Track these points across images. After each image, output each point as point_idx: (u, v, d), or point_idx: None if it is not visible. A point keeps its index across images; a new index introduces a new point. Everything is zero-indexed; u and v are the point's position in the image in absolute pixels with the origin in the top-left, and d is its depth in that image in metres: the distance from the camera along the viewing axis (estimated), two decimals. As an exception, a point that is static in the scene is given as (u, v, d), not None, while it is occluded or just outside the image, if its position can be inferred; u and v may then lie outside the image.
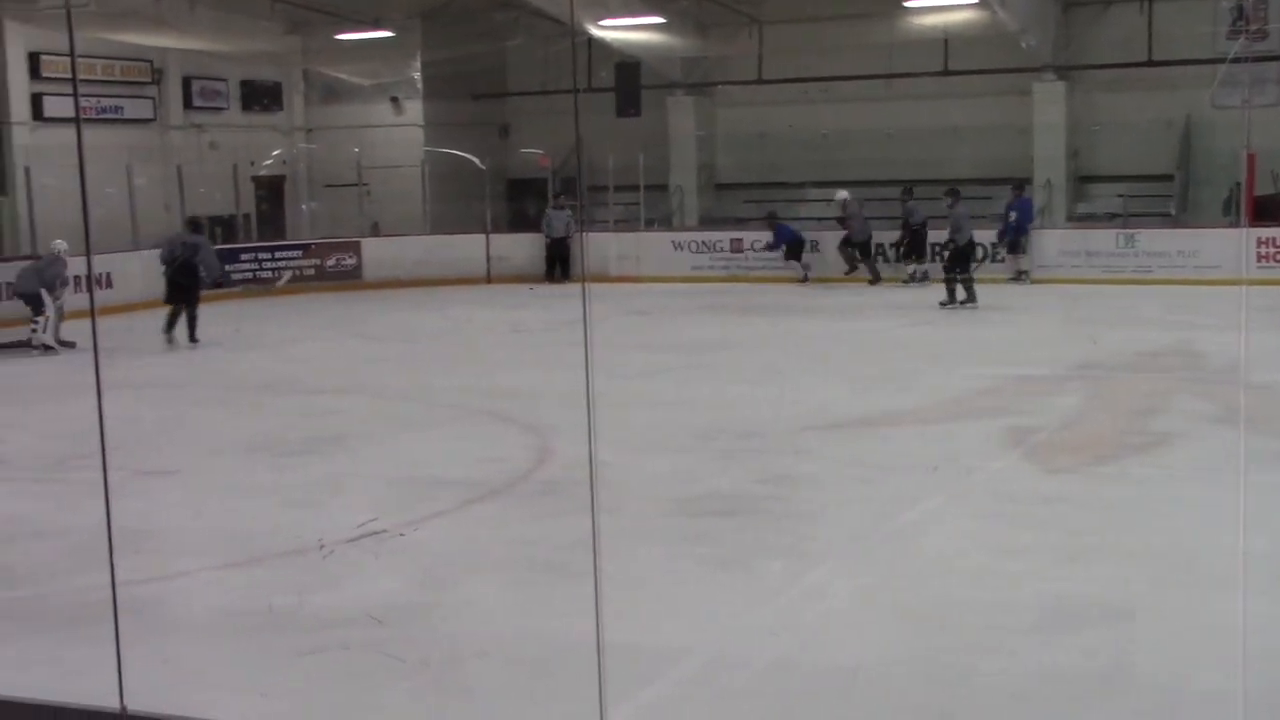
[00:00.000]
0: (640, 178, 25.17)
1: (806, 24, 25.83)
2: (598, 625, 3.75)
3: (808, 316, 18.92)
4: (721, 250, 24.11)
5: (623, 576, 6.76)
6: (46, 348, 16.52)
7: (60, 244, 17.25)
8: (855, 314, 19.20)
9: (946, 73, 25.17)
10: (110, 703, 3.48)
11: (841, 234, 23.02)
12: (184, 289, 17.35)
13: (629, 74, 25.95)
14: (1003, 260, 21.98)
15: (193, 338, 17.17)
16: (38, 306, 16.71)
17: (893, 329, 17.61)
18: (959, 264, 19.53)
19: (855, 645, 6.14)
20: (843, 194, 23.30)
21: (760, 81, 26.57)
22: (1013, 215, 21.86)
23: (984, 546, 7.78)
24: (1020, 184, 22.54)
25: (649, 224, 25.42)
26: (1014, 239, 21.95)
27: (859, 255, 22.75)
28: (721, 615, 6.68)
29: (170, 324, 17.24)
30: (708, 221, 26.88)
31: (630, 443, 10.07)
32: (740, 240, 24.10)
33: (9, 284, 17.68)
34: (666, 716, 5.53)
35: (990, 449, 10.26)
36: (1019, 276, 21.92)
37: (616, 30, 25.07)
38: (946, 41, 24.89)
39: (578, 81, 25.98)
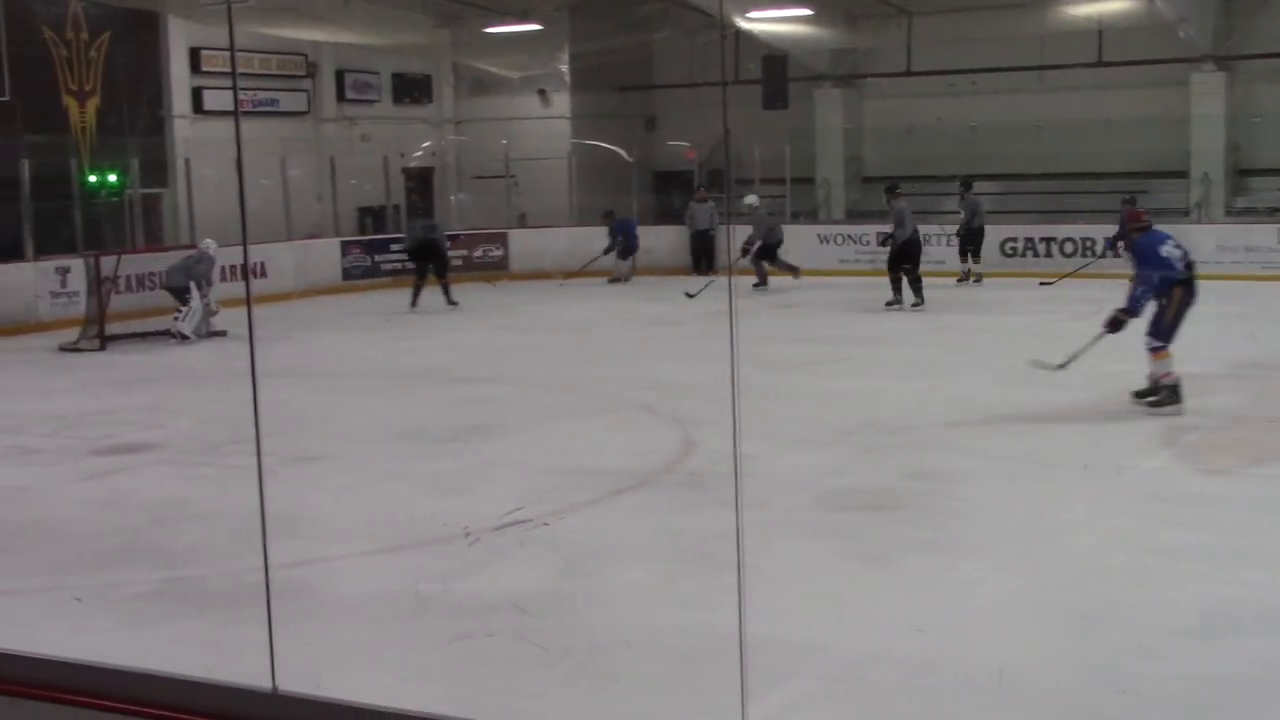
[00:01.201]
0: (786, 171, 25.06)
1: (956, 15, 25.52)
2: (740, 618, 3.72)
3: (956, 310, 18.67)
4: (868, 244, 23.90)
5: (767, 570, 6.73)
6: (183, 337, 16.92)
7: (210, 243, 17.66)
8: (1006, 308, 18.89)
9: (1100, 64, 24.65)
10: (263, 683, 3.54)
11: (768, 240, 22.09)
12: (431, 262, 20.17)
13: (776, 66, 25.81)
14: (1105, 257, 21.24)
15: (450, 300, 19.91)
16: (183, 299, 17.15)
17: (1047, 323, 17.30)
18: (906, 262, 18.94)
19: (1004, 644, 6.03)
20: (750, 199, 22.63)
21: (909, 74, 26.29)
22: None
23: (1136, 546, 7.61)
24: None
25: (795, 217, 25.29)
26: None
27: (768, 260, 21.81)
28: (866, 611, 6.61)
29: (416, 297, 19.64)
30: (854, 215, 26.68)
31: (775, 436, 10.03)
32: (887, 234, 23.84)
33: (159, 274, 18.12)
34: (809, 711, 5.48)
35: (1143, 447, 10.03)
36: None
37: (764, 23, 24.98)
38: (1101, 32, 24.38)
39: (725, 74, 25.94)
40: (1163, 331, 11.11)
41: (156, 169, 23.05)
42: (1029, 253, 22.76)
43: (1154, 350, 11.13)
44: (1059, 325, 17.20)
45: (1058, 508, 8.38)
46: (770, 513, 8.05)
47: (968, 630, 6.29)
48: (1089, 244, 21.94)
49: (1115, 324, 11.32)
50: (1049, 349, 12.19)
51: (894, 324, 17.64)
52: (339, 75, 26.85)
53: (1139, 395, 11.17)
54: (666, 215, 26.76)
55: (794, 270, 21.75)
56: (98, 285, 17.21)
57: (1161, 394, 11.07)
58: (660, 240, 25.17)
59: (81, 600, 6.97)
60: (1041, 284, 20.58)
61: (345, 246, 23.87)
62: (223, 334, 17.17)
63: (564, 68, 27.84)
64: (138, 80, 23.05)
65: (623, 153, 25.21)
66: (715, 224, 24.68)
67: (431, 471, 9.72)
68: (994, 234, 22.60)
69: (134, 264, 18.51)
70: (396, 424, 11.56)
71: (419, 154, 27.59)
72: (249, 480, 4.08)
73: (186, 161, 22.37)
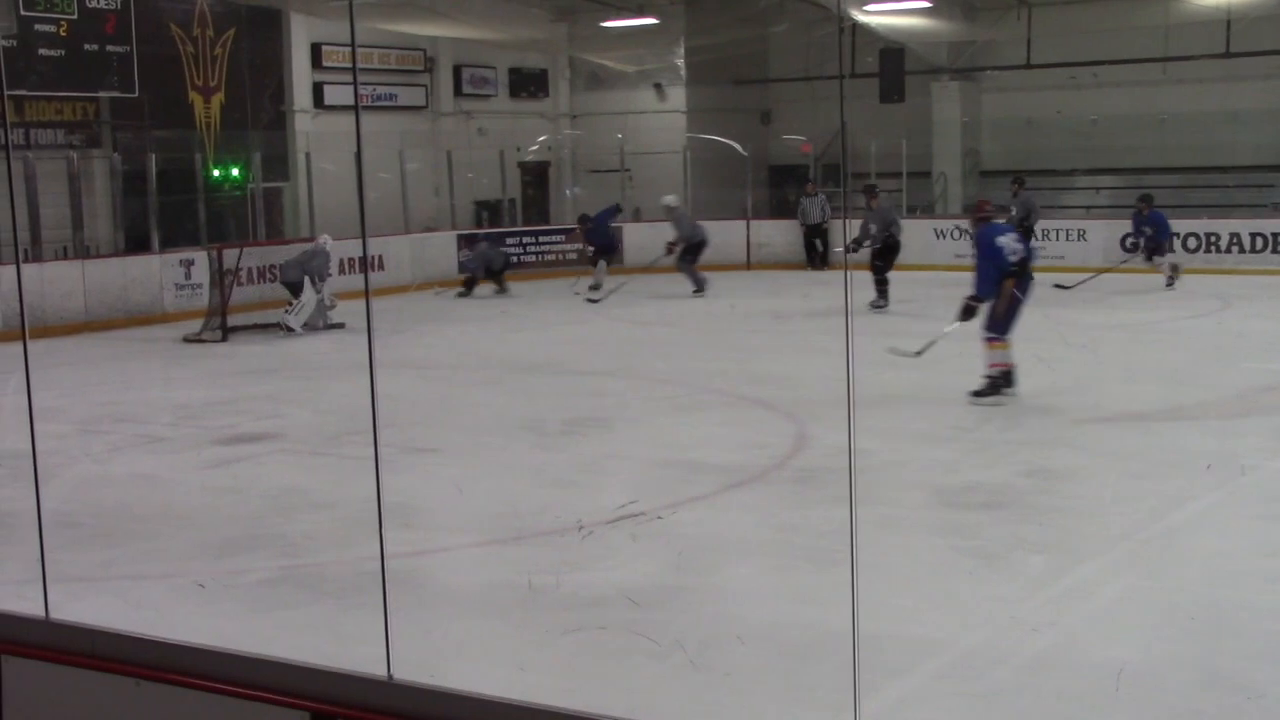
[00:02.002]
0: (903, 164, 24.87)
1: (1077, 6, 25.15)
2: (853, 615, 3.71)
3: (1077, 307, 18.38)
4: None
5: (880, 566, 6.70)
6: (289, 330, 17.16)
7: (325, 238, 17.91)
8: (1130, 304, 18.58)
9: (1228, 55, 24.14)
10: (379, 670, 3.59)
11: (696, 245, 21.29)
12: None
13: (894, 60, 25.64)
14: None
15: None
16: (297, 293, 17.41)
17: (1173, 320, 17.02)
18: (879, 259, 18.59)
19: (1122, 646, 5.93)
20: (670, 199, 21.99)
21: (1028, 66, 25.95)
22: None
23: (1261, 550, 7.44)
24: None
25: (911, 211, 25.07)
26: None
27: (687, 261, 21.13)
28: (980, 609, 6.54)
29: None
30: (972, 209, 26.37)
31: (890, 432, 9.96)
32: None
33: (277, 268, 18.42)
34: (921, 709, 5.44)
35: (1271, 447, 9.82)
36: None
37: (881, 15, 24.79)
38: (1229, 22, 23.87)
39: (842, 68, 25.78)
40: (995, 323, 11.39)
41: (277, 163, 23.44)
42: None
43: (988, 340, 11.43)
44: (1180, 322, 16.92)
45: (1180, 508, 8.23)
46: (885, 509, 8.00)
47: (1085, 631, 6.20)
48: (1213, 239, 21.51)
49: (967, 311, 11.59)
50: (1170, 345, 12.02)
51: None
52: (456, 70, 27.10)
53: (977, 395, 11.41)
54: (782, 209, 26.67)
55: (701, 286, 20.81)
56: (220, 278, 17.54)
57: (984, 384, 11.35)
58: (775, 235, 25.10)
59: (205, 586, 7.12)
60: (1056, 286, 19.90)
61: (461, 240, 24.09)
62: (340, 326, 17.42)
63: (680, 62, 27.84)
64: (260, 76, 23.46)
65: (738, 147, 25.15)
66: (827, 217, 24.57)
67: (545, 463, 9.78)
68: (1113, 230, 22.23)
69: (255, 257, 18.83)
70: (511, 416, 11.64)
71: (535, 148, 27.76)
72: (366, 470, 4.14)
73: (307, 155, 22.71)
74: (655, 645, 6.01)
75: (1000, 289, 11.34)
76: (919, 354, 12.03)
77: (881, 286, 18.43)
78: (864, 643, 3.69)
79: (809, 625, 6.21)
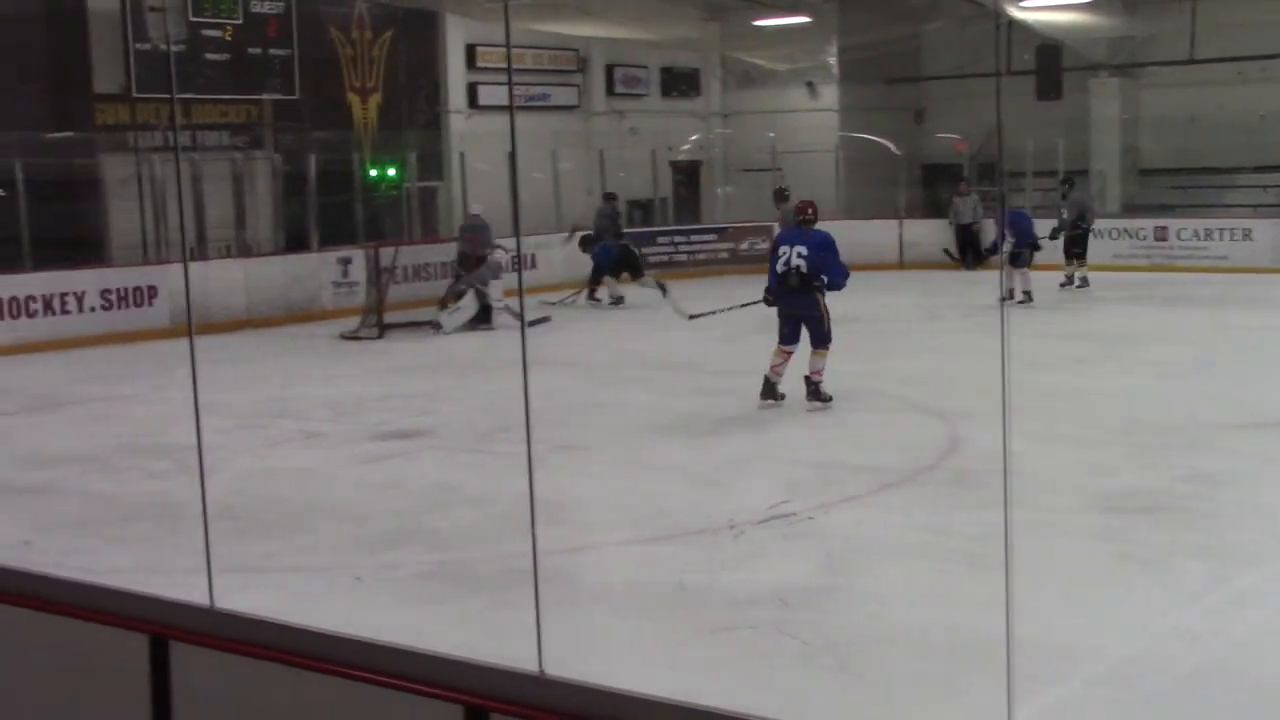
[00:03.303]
0: (1060, 163, 24.41)
1: (1244, -1, 24.48)
2: (1008, 619, 3.65)
3: (1242, 308, 17.92)
4: (1144, 238, 23.16)
5: (1034, 571, 6.59)
6: (437, 327, 17.36)
7: (501, 254, 18.01)
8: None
9: None
10: (530, 665, 3.63)
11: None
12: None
13: (1051, 56, 25.19)
14: None
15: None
16: (459, 295, 17.66)
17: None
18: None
19: (1287, 658, 5.78)
20: (610, 199, 21.27)
21: (1191, 61, 25.29)
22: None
23: None
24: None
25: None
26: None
27: (626, 273, 20.35)
28: (1138, 616, 6.41)
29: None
30: (1130, 208, 25.82)
31: (1045, 435, 9.79)
32: (1165, 229, 23.04)
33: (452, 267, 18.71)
34: (1076, 717, 5.36)
35: None
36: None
37: (1038, 11, 24.38)
38: None
39: (998, 65, 25.40)
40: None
41: (432, 163, 23.77)
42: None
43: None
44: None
45: (1347, 516, 7.99)
46: (1039, 513, 7.87)
47: (1247, 642, 6.05)
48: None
49: (766, 301, 12.10)
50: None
51: (1172, 322, 17.05)
52: (609, 70, 27.24)
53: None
54: (935, 208, 26.37)
55: (619, 299, 20.32)
56: (377, 275, 17.84)
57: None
58: (929, 234, 24.84)
59: (362, 579, 7.26)
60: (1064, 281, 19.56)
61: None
62: (546, 320, 17.77)
63: (832, 60, 27.65)
64: (416, 77, 23.82)
65: (891, 145, 24.93)
66: (980, 217, 24.25)
67: (695, 462, 9.80)
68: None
69: (411, 255, 19.12)
70: (662, 414, 11.67)
71: (686, 147, 27.78)
72: (518, 467, 4.20)
73: (461, 155, 23.00)
74: (805, 646, 5.99)
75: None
76: (693, 317, 13.58)
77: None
78: (1018, 648, 3.64)
79: (961, 629, 6.14)
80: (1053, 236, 20.52)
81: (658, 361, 15.04)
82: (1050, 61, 25.15)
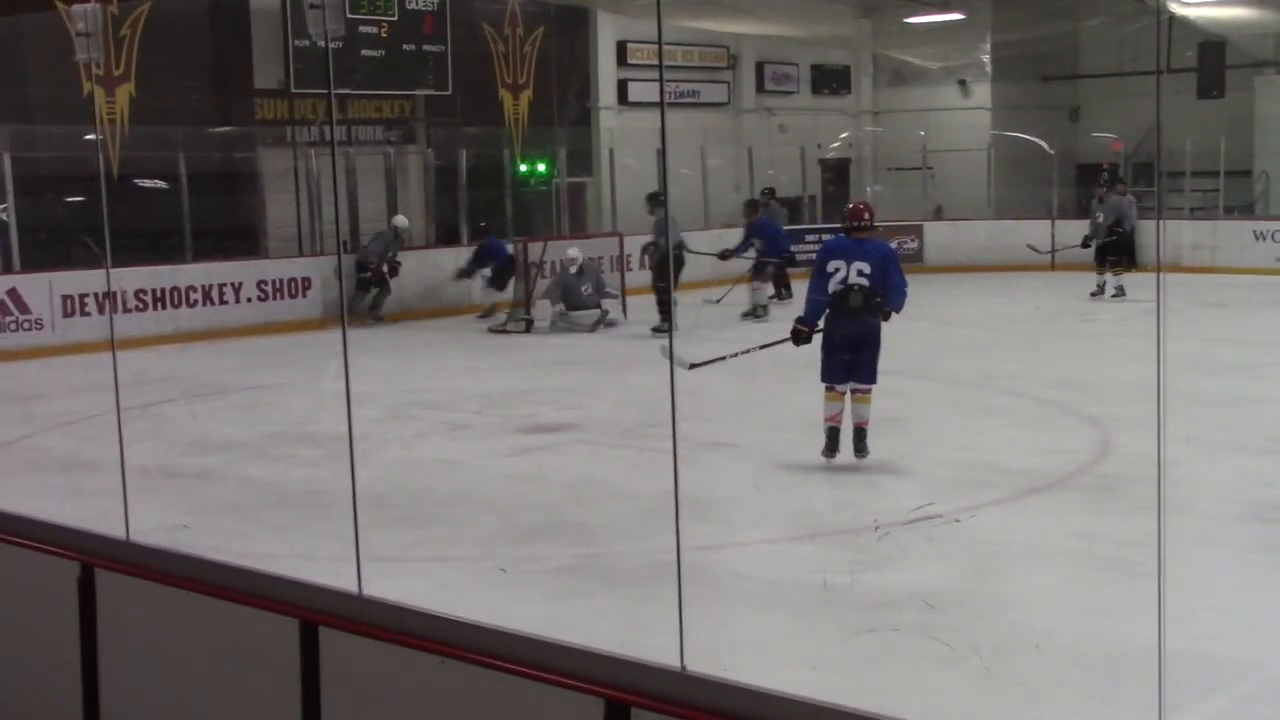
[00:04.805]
0: (1220, 163, 23.82)
1: None
2: (1159, 630, 3.57)
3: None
4: (1308, 240, 22.50)
5: (1188, 580, 6.42)
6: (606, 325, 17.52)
7: (576, 252, 18.14)
8: None
9: None
10: (671, 661, 3.63)
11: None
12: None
13: (1214, 53, 24.55)
14: None
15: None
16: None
17: None
18: (659, 280, 17.05)
19: None
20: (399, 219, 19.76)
21: (1363, 59, 24.55)
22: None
23: None
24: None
25: (1228, 211, 24.01)
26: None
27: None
28: (1298, 631, 6.23)
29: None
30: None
31: (1202, 441, 9.55)
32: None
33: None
34: (1231, 732, 5.22)
35: None
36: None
37: (1201, 7, 23.79)
38: None
39: (1158, 62, 24.86)
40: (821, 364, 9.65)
41: (582, 159, 23.93)
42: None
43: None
44: None
45: None
46: (1195, 521, 7.68)
47: None
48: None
49: (796, 336, 9.61)
50: None
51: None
52: (759, 67, 27.19)
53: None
54: (1088, 209, 25.85)
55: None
56: (525, 270, 18.00)
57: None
58: (1081, 235, 24.34)
59: (506, 571, 7.32)
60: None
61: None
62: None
63: (985, 58, 27.29)
64: (567, 73, 24.00)
65: (1044, 144, 24.51)
66: (1133, 218, 23.72)
67: (841, 462, 9.72)
68: None
69: (559, 251, 19.25)
70: (807, 412, 11.57)
71: (836, 145, 27.62)
72: (663, 463, 4.20)
73: (610, 152, 23.12)
74: (949, 650, 5.91)
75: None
76: (694, 367, 9.53)
77: (663, 305, 16.77)
78: (1170, 660, 3.56)
79: (1110, 638, 6.02)
80: (1085, 244, 20.02)
81: (803, 361, 14.91)
82: (1213, 58, 24.51)
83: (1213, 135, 23.42)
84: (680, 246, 18.31)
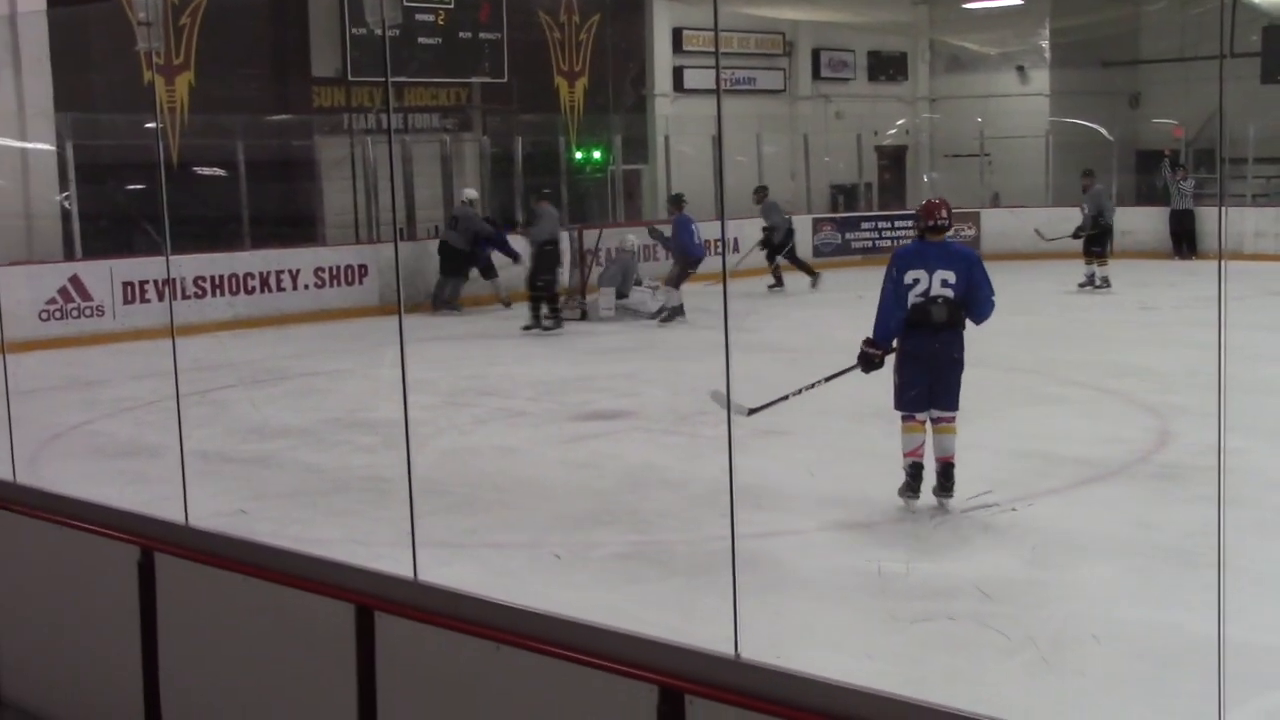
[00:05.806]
0: (1285, 150, 23.54)
1: None
2: (1219, 621, 3.53)
3: None
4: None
5: (1250, 571, 6.35)
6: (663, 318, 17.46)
7: (631, 238, 18.22)
8: None
9: None
10: (725, 649, 3.62)
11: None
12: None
13: (1278, 37, 24.24)
14: None
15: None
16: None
17: None
18: (538, 278, 16.79)
19: None
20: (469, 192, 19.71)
21: None
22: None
23: None
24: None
25: (1287, 200, 23.75)
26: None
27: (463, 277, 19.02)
28: (1362, 623, 6.15)
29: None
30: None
31: (1264, 431, 9.43)
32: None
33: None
34: (1292, 725, 5.16)
35: None
36: None
37: (1267, -10, 23.52)
38: None
39: (1222, 47, 24.55)
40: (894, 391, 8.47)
41: (637, 146, 23.92)
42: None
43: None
44: None
45: None
46: (1256, 511, 7.60)
47: None
48: None
49: (864, 360, 8.59)
50: None
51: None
52: (815, 53, 27.07)
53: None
54: (1149, 196, 25.61)
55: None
56: (580, 258, 18.02)
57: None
58: (1142, 222, 24.15)
59: (561, 557, 7.34)
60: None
61: (817, 223, 24.10)
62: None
63: (1044, 44, 27.05)
64: (623, 61, 23.98)
65: (1103, 131, 24.28)
66: (1111, 209, 23.45)
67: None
68: None
69: (614, 238, 19.27)
70: (863, 400, 11.53)
71: (892, 132, 27.49)
72: (718, 450, 4.19)
73: (666, 139, 23.11)
74: (1006, 639, 5.88)
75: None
76: (752, 412, 8.70)
77: (534, 306, 16.80)
78: (1230, 651, 3.51)
79: (1170, 629, 5.96)
80: (1075, 235, 19.79)
81: (853, 347, 14.86)
82: (1278, 43, 24.19)
83: (1276, 121, 23.11)
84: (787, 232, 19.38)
